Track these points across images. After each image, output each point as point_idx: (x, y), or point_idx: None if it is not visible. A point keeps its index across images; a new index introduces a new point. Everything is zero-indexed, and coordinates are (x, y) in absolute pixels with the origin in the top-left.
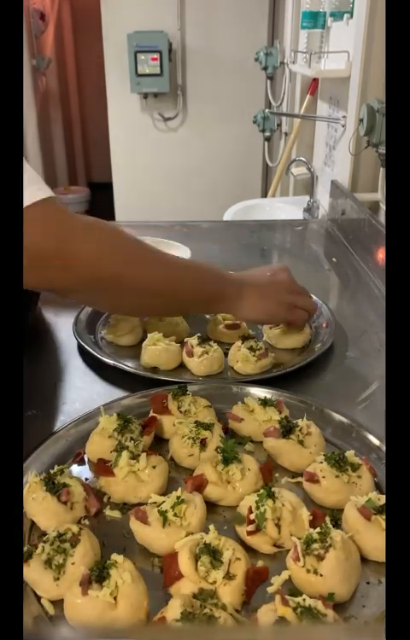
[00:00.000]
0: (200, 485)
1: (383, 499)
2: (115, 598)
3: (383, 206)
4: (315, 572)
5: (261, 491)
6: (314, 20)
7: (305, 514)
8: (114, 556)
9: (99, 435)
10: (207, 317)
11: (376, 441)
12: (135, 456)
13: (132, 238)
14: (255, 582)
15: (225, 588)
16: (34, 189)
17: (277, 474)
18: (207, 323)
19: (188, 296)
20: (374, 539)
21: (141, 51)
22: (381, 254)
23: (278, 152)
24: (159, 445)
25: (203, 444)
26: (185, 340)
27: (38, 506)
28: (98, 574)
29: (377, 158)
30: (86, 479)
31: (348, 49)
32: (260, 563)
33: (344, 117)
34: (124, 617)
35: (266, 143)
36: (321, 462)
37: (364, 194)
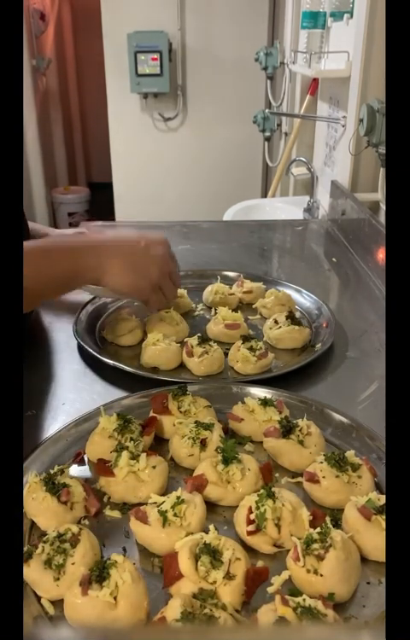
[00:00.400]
0: (200, 485)
1: (383, 499)
2: (115, 598)
3: (383, 206)
4: (315, 572)
5: (261, 491)
6: (314, 20)
7: (305, 514)
8: (114, 556)
9: (99, 435)
10: (208, 316)
11: (376, 441)
12: (135, 457)
13: None
14: (255, 582)
15: (225, 588)
16: None
17: (277, 474)
18: (207, 323)
19: (46, 286)
20: (374, 539)
21: (141, 51)
22: (381, 254)
23: (278, 152)
24: (159, 445)
25: (203, 444)
26: (185, 340)
27: (38, 506)
28: (98, 574)
29: (377, 158)
30: (86, 479)
31: (348, 49)
32: (260, 563)
33: (344, 117)
34: (124, 617)
35: (266, 143)
36: (321, 462)
37: (364, 194)
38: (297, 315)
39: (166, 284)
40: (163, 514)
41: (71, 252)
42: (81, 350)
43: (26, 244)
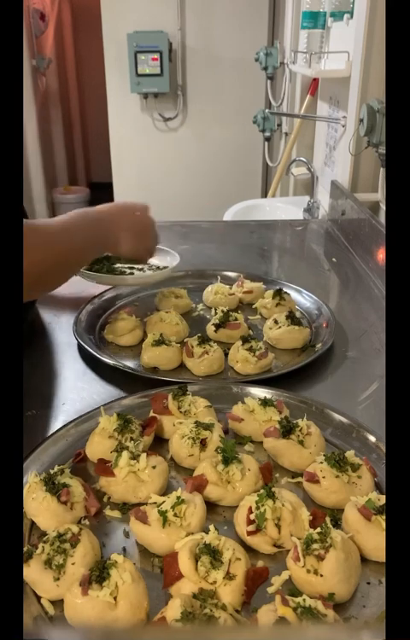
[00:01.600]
0: (200, 485)
1: (383, 499)
2: (115, 598)
3: (383, 206)
4: (315, 572)
5: (261, 491)
6: (314, 20)
7: (305, 515)
8: (114, 556)
9: (99, 435)
10: (208, 316)
11: (376, 441)
12: (135, 457)
13: (34, 228)
14: (255, 582)
15: (225, 588)
16: None
17: (277, 474)
18: (207, 323)
19: (86, 254)
20: (374, 539)
21: (141, 51)
22: (381, 254)
23: (278, 152)
24: (159, 445)
25: (203, 444)
26: (185, 340)
27: (38, 506)
28: (98, 574)
29: (377, 158)
30: (86, 479)
31: (348, 49)
32: (260, 563)
33: (344, 117)
34: (124, 617)
35: (266, 143)
36: (321, 463)
37: (364, 195)
38: (297, 315)
39: (153, 246)
40: (163, 514)
41: (97, 224)
42: (81, 350)
43: (63, 216)
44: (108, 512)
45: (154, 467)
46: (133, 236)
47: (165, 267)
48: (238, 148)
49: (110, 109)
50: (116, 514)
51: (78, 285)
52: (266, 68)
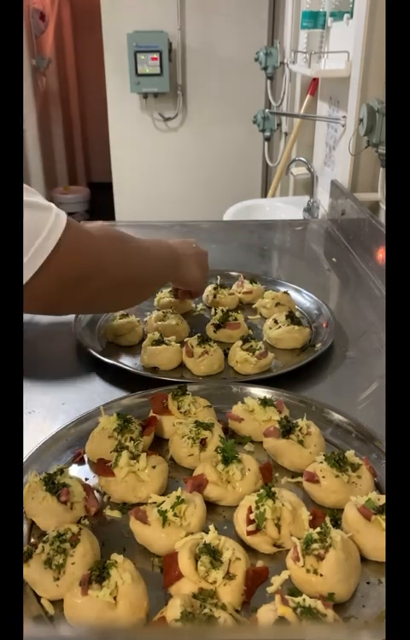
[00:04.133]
0: (200, 485)
1: (383, 499)
2: (115, 598)
3: (383, 206)
4: (315, 572)
5: (261, 491)
6: (314, 20)
7: (305, 515)
8: (114, 556)
9: (99, 435)
10: (207, 316)
11: (376, 441)
12: (135, 456)
13: (128, 239)
14: (255, 582)
15: (225, 588)
16: (53, 215)
17: (277, 474)
18: (207, 323)
19: (159, 278)
20: (374, 539)
21: (141, 51)
22: (381, 254)
23: (278, 152)
24: (159, 445)
25: (203, 444)
26: (185, 340)
27: (38, 506)
28: (98, 574)
29: (377, 158)
30: (86, 479)
31: (348, 49)
32: (260, 563)
33: (344, 117)
34: (124, 617)
35: (266, 143)
36: (321, 462)
37: (364, 194)
38: (297, 315)
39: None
40: (163, 514)
41: (171, 253)
42: (81, 350)
43: (148, 244)
44: (108, 512)
45: (154, 467)
46: (198, 267)
47: None
48: (238, 147)
49: (110, 109)
50: (116, 514)
51: None
52: (265, 68)
